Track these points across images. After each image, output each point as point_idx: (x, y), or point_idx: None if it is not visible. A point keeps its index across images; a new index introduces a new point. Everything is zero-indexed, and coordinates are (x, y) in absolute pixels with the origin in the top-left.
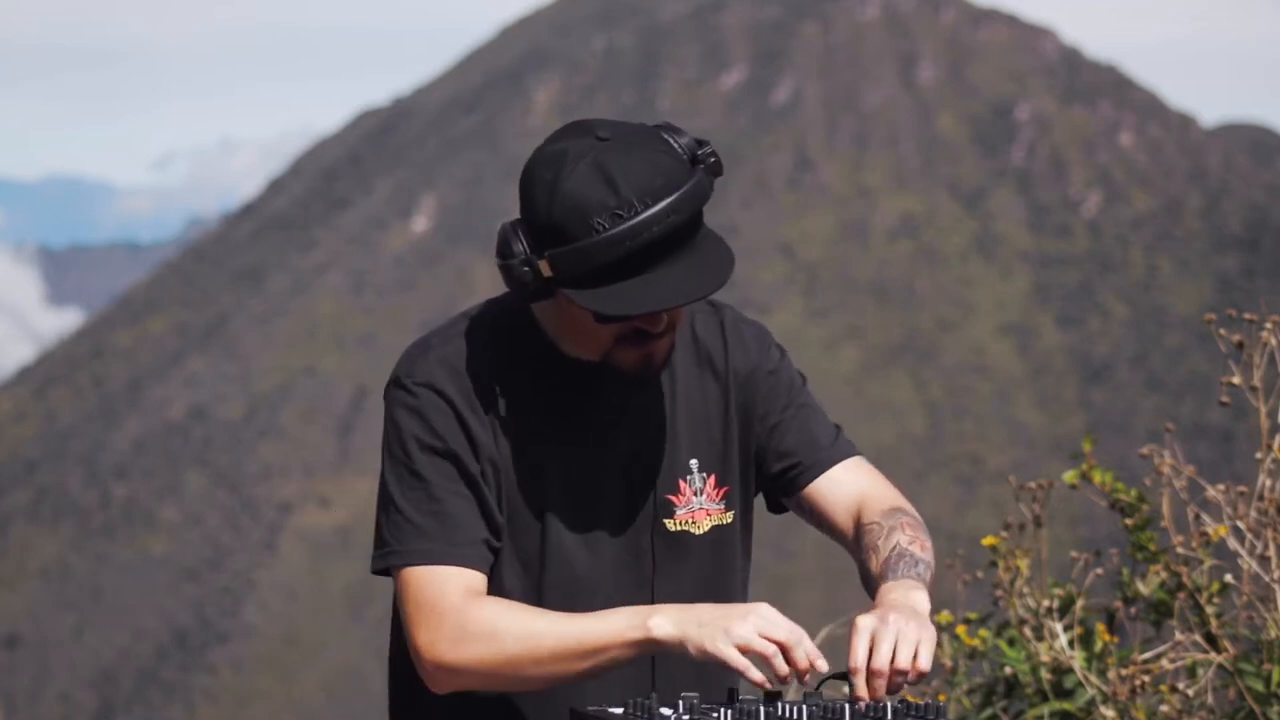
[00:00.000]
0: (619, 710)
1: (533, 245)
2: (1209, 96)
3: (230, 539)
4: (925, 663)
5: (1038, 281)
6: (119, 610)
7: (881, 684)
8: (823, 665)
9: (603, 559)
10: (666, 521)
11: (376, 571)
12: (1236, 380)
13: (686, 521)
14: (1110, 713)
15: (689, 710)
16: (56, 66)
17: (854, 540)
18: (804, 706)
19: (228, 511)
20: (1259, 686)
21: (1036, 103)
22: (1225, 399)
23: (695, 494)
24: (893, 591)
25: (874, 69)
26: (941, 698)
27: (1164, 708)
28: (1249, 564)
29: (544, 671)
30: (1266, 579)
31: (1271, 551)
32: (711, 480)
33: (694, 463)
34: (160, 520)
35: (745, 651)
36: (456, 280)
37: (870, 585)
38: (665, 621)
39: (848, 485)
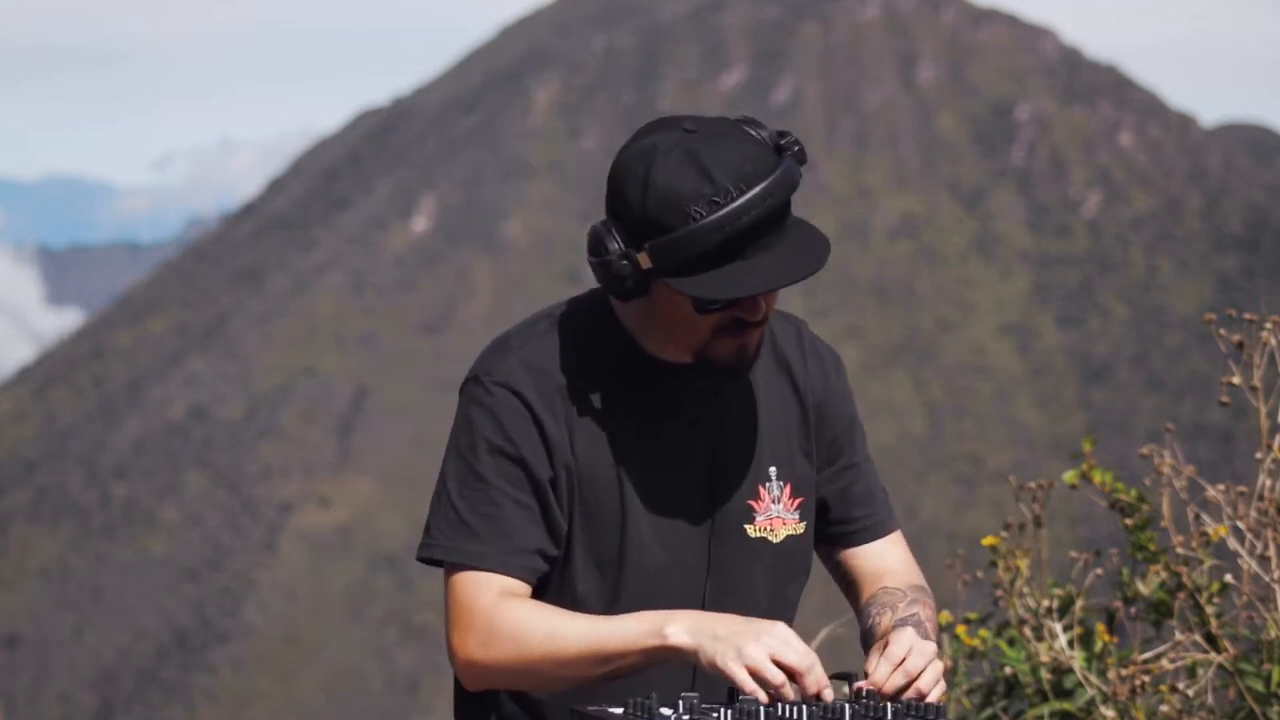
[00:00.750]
0: (619, 710)
1: (628, 240)
2: (1209, 96)
3: (230, 539)
4: (934, 695)
5: (1038, 281)
6: (119, 610)
7: (901, 686)
8: (829, 696)
9: (681, 563)
10: (747, 527)
11: (421, 559)
12: (1236, 380)
13: (765, 529)
14: (1110, 713)
15: (689, 710)
16: (56, 66)
17: (867, 599)
18: (804, 707)
19: (228, 511)
20: (1259, 686)
21: (1036, 103)
22: (1225, 399)
23: (774, 501)
24: (916, 636)
25: (874, 69)
26: (941, 698)
27: (1164, 708)
28: (1249, 564)
29: (567, 673)
30: (1266, 579)
31: (1271, 551)
32: (788, 489)
33: (773, 470)
34: (160, 520)
35: (754, 674)
36: (456, 280)
37: (872, 636)
38: (681, 630)
39: (888, 558)
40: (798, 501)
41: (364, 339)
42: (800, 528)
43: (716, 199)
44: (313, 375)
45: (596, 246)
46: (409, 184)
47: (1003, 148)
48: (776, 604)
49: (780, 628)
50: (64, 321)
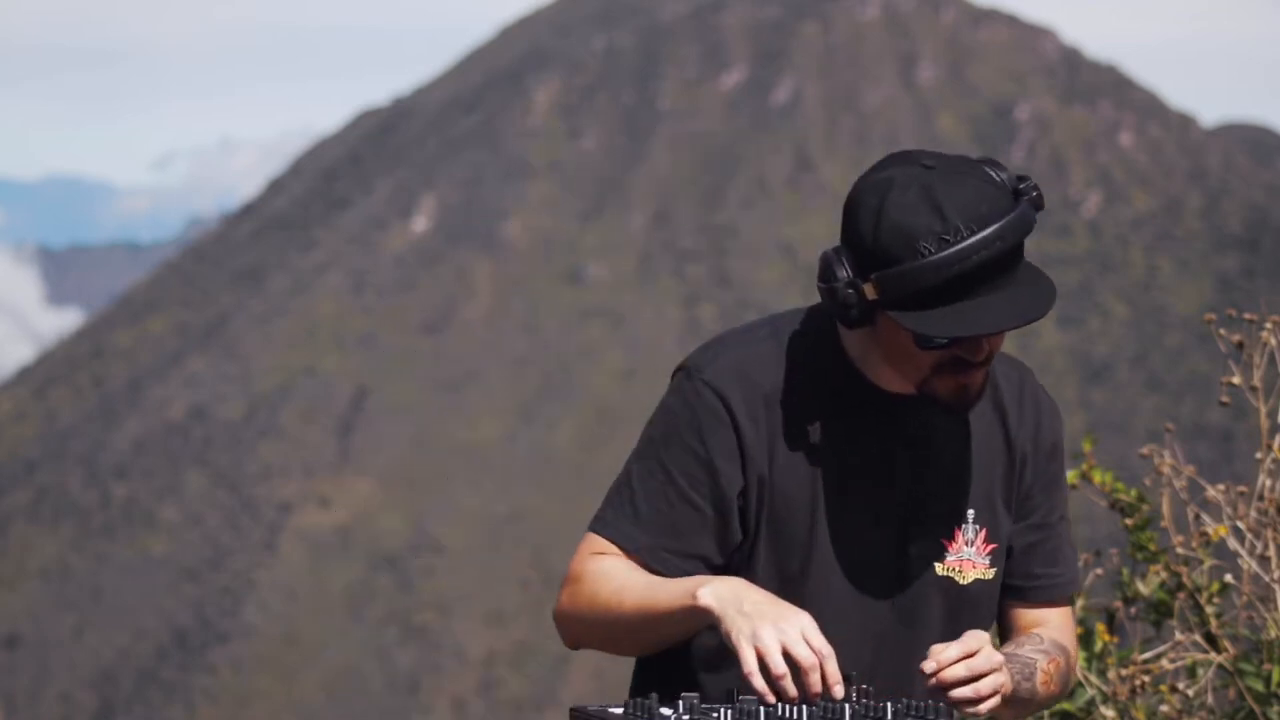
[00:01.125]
0: (619, 710)
1: (856, 269)
2: (1209, 96)
3: (230, 539)
4: (986, 705)
5: None
6: (119, 610)
7: (961, 679)
8: (839, 692)
9: (863, 589)
10: (936, 564)
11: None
12: (1236, 380)
13: (953, 569)
14: (1110, 713)
15: (689, 710)
16: (56, 66)
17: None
18: (803, 707)
19: (228, 511)
20: (1259, 686)
21: (1036, 103)
22: (1225, 399)
23: (967, 544)
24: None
25: (874, 69)
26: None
27: (1164, 708)
28: (1249, 564)
29: (628, 625)
30: (1266, 579)
31: (1271, 551)
32: (983, 534)
33: (971, 513)
34: (160, 520)
35: (761, 659)
36: (456, 280)
37: None
38: (710, 593)
39: (1050, 621)
40: (990, 548)
41: (364, 339)
42: (990, 574)
43: (946, 237)
44: (313, 375)
45: (826, 272)
46: (409, 184)
47: (1003, 148)
48: None
49: (804, 618)
50: (64, 321)
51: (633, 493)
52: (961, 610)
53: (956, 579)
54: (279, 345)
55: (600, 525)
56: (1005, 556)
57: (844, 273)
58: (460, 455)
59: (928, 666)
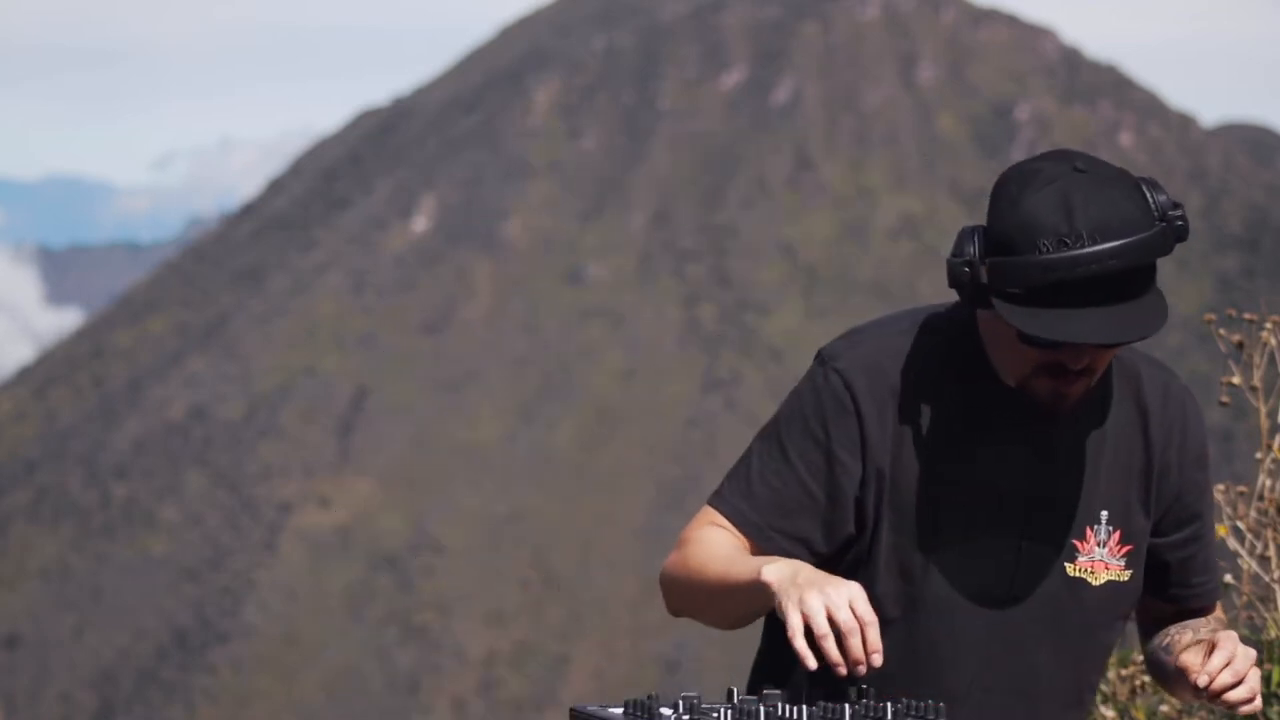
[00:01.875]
0: (619, 710)
1: (983, 251)
2: (1209, 96)
3: (230, 539)
4: (1254, 705)
5: None
6: (119, 610)
7: (1229, 685)
8: (878, 660)
9: (982, 585)
10: (1067, 565)
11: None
12: (1236, 380)
13: (1085, 570)
14: (1110, 713)
15: (689, 710)
16: (56, 66)
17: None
18: (804, 707)
19: (228, 511)
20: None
21: (1036, 103)
22: (1225, 399)
23: (1099, 545)
24: (1238, 640)
25: (874, 69)
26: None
27: (1164, 708)
28: (1249, 564)
29: (708, 593)
30: (1266, 579)
31: (1271, 551)
32: (1117, 535)
33: (1105, 514)
34: (160, 520)
35: (806, 622)
36: (456, 280)
37: (1166, 651)
38: (772, 570)
39: (1197, 619)
40: (1126, 549)
41: (364, 339)
42: (1125, 575)
43: (1067, 239)
44: (313, 375)
45: (956, 246)
46: (409, 184)
47: (1003, 148)
48: (1088, 646)
49: (853, 587)
50: (64, 321)
51: (749, 470)
52: (1093, 611)
53: (1089, 580)
54: (279, 345)
55: (716, 499)
56: (1158, 568)
57: (971, 250)
58: (460, 455)
59: (1200, 681)
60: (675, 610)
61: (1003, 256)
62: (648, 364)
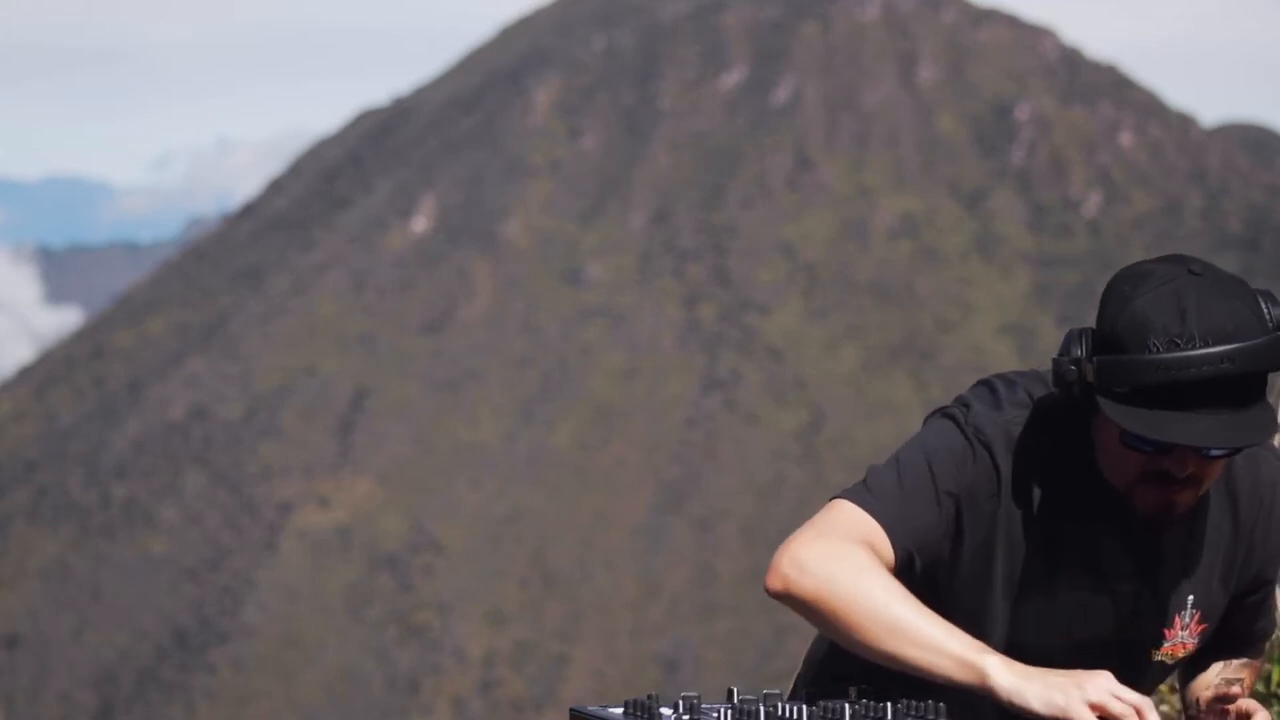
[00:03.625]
0: (619, 710)
1: (1092, 350)
2: (1209, 96)
3: (230, 539)
4: None
5: (1038, 281)
6: (119, 610)
7: None
8: None
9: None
10: (1153, 650)
11: (840, 496)
12: None
13: (1168, 654)
14: None
15: (689, 710)
16: (56, 66)
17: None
18: (804, 707)
19: (228, 511)
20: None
21: (1036, 103)
22: None
23: (1182, 628)
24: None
25: (874, 69)
26: None
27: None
28: None
29: (860, 638)
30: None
31: None
32: (1197, 616)
33: (1191, 598)
34: (160, 520)
35: (1098, 711)
36: (456, 280)
37: (1197, 670)
38: (1003, 671)
39: (1233, 663)
40: (1202, 628)
41: (364, 339)
42: (1194, 649)
43: (1178, 340)
44: (313, 375)
45: (1064, 346)
46: (409, 184)
47: (1003, 148)
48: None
49: (1108, 675)
50: (63, 321)
51: (890, 473)
52: (1156, 682)
53: (1168, 661)
54: (279, 345)
55: (859, 495)
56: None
57: (1078, 350)
58: (460, 455)
59: None
60: (786, 594)
61: (1112, 355)
62: (647, 364)
